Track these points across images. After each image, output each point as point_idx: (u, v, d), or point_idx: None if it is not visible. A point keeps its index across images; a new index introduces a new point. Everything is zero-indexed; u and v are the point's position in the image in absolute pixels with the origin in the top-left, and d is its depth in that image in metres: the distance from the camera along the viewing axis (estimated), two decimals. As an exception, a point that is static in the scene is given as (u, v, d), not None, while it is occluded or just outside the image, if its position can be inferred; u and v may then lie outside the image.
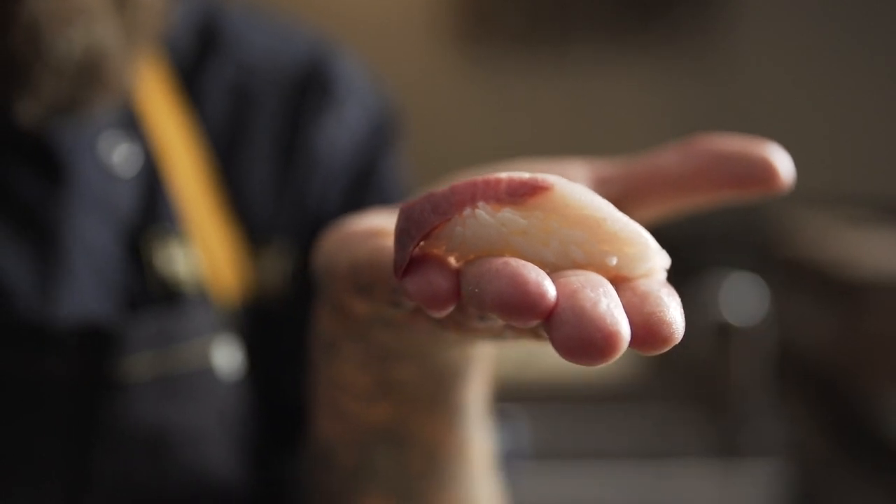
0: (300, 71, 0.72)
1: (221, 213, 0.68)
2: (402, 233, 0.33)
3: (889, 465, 1.69)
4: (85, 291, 0.62)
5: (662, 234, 0.41)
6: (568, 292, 0.30)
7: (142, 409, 0.60)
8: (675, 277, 0.35)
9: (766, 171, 0.43)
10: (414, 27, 2.72)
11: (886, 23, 2.72)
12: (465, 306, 0.33)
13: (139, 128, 0.67)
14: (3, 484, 0.59)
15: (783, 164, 0.43)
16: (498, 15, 2.71)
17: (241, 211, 0.68)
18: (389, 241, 0.37)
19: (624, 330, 0.29)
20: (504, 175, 0.32)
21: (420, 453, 0.50)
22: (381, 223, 0.41)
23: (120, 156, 0.65)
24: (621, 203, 0.44)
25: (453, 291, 0.32)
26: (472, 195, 0.32)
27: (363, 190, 0.71)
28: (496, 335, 0.38)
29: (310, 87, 0.72)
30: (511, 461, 0.66)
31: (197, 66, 0.70)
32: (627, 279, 0.33)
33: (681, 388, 1.89)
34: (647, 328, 0.30)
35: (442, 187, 0.32)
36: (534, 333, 0.36)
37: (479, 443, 0.51)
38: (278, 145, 0.70)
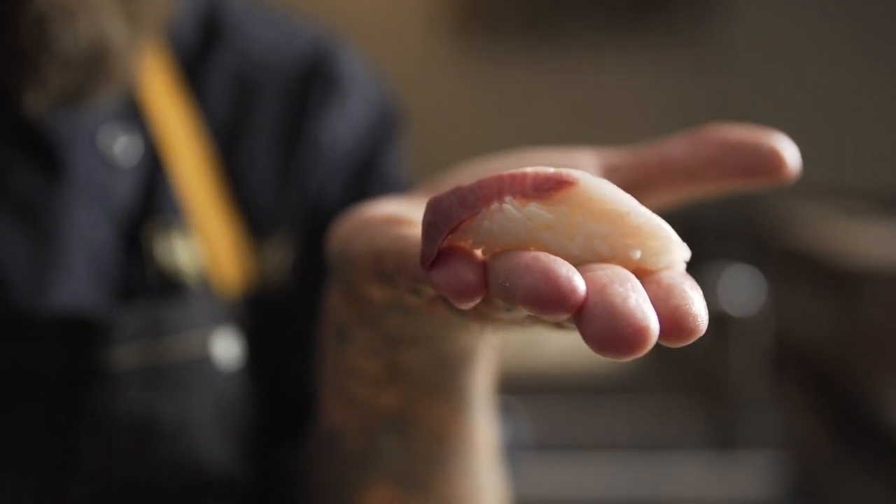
0: (303, 64, 0.72)
1: (223, 204, 0.68)
2: (430, 226, 0.33)
3: (887, 455, 1.69)
4: (80, 282, 0.62)
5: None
6: (597, 287, 0.30)
7: (131, 399, 0.61)
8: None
9: (774, 161, 0.43)
10: (411, 21, 2.72)
11: (884, 17, 2.73)
12: (490, 298, 0.33)
13: (141, 118, 0.67)
14: None
15: (791, 154, 0.44)
16: (495, 8, 2.72)
17: (243, 202, 0.68)
18: (412, 230, 0.37)
19: (654, 325, 0.30)
20: (530, 170, 0.32)
21: (427, 439, 0.50)
22: (399, 211, 0.42)
23: (120, 147, 0.66)
24: (630, 191, 0.44)
25: (481, 284, 0.32)
26: (499, 190, 0.32)
27: (365, 182, 0.72)
28: (518, 325, 0.38)
29: (313, 79, 0.72)
30: (511, 453, 0.66)
31: (200, 57, 0.70)
32: (650, 272, 0.33)
33: (679, 380, 1.90)
34: (673, 321, 0.31)
35: (469, 181, 0.33)
36: (557, 324, 0.36)
37: (484, 430, 0.52)
38: (280, 137, 0.70)
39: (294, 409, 0.66)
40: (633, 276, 0.31)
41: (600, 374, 1.86)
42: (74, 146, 0.64)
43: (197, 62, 0.70)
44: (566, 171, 0.32)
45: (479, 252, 0.34)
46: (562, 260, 0.31)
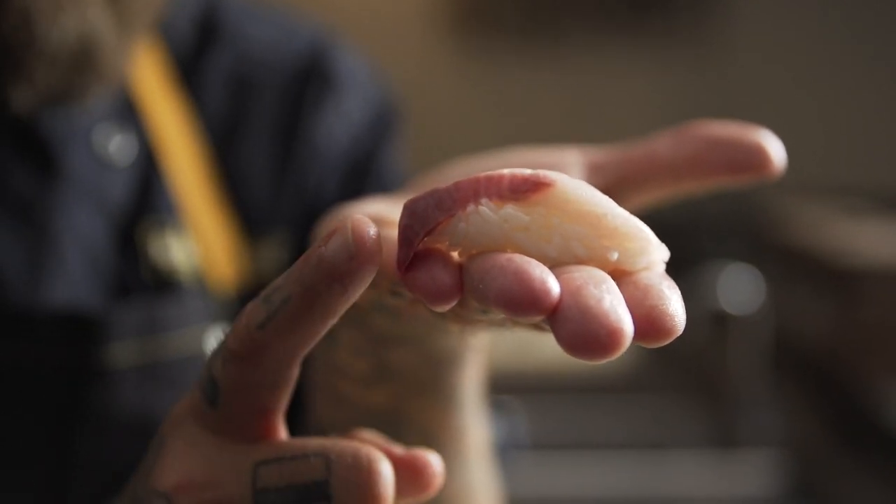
0: (300, 63, 0.72)
1: (219, 203, 0.68)
2: (406, 229, 0.33)
3: (886, 454, 1.69)
4: (75, 280, 0.63)
5: (659, 225, 0.41)
6: (572, 289, 0.30)
7: (128, 395, 0.61)
8: (672, 268, 0.35)
9: (759, 157, 0.43)
10: (411, 20, 2.72)
11: (884, 16, 2.73)
12: (467, 300, 0.33)
13: (136, 117, 0.67)
14: None
15: (775, 149, 0.44)
16: (495, 8, 2.71)
17: (239, 201, 0.69)
18: (392, 231, 0.38)
19: (627, 326, 0.30)
20: (507, 172, 0.32)
21: (416, 438, 0.50)
22: (382, 211, 0.42)
23: (116, 145, 0.66)
24: (615, 190, 0.45)
25: (456, 287, 0.32)
26: (475, 192, 0.32)
27: (362, 181, 0.72)
28: (497, 326, 0.38)
29: (310, 78, 0.72)
30: (508, 452, 0.67)
31: (196, 56, 0.70)
32: (628, 273, 0.33)
33: (678, 379, 1.90)
34: (649, 321, 0.31)
35: (445, 184, 0.33)
36: (535, 326, 0.36)
37: (474, 429, 0.52)
38: (277, 136, 0.70)
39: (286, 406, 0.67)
40: (608, 278, 0.31)
41: (600, 373, 1.86)
42: (69, 145, 0.64)
43: (193, 61, 0.70)
44: (543, 173, 0.32)
45: (455, 254, 0.34)
46: (536, 262, 0.31)
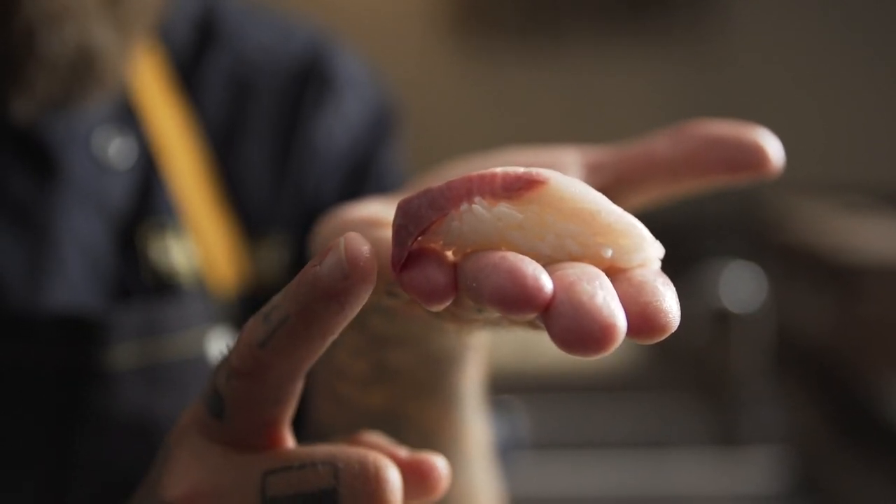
0: (299, 64, 0.72)
1: (219, 205, 0.68)
2: (400, 228, 0.33)
3: (888, 449, 1.69)
4: (76, 283, 0.63)
5: (661, 224, 0.41)
6: (565, 285, 0.30)
7: (128, 397, 0.61)
8: (674, 266, 0.35)
9: (756, 156, 0.43)
10: (410, 20, 2.72)
11: (882, 13, 2.72)
12: (462, 299, 0.33)
13: (136, 121, 0.67)
14: None
15: (773, 148, 0.44)
16: (494, 7, 2.71)
17: (239, 203, 0.69)
18: (387, 232, 0.38)
19: (620, 322, 0.30)
20: (499, 170, 0.33)
21: (416, 438, 0.50)
22: (378, 212, 0.42)
23: (115, 149, 0.66)
24: (614, 189, 0.45)
25: (450, 286, 0.32)
26: (469, 190, 0.32)
27: (361, 182, 0.72)
28: (493, 325, 0.38)
29: (309, 80, 0.72)
30: (508, 451, 0.67)
31: (195, 58, 0.71)
32: (623, 270, 0.33)
33: (680, 377, 1.90)
34: (643, 318, 0.31)
35: (438, 183, 0.33)
36: (531, 324, 0.36)
37: (474, 429, 0.52)
38: (276, 138, 0.70)
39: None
40: (602, 274, 0.31)
41: (602, 371, 1.86)
42: (69, 149, 0.64)
43: (192, 63, 0.70)
44: (536, 171, 0.32)
45: (450, 253, 0.34)
46: (529, 259, 0.31)
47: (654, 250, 0.34)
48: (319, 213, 0.68)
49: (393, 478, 0.36)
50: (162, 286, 0.65)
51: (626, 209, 0.34)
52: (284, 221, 0.69)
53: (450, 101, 2.70)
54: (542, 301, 0.30)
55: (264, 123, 0.71)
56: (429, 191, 0.33)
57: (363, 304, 0.34)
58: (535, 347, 1.87)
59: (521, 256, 0.31)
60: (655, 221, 0.35)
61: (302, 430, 0.63)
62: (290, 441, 0.39)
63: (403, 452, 0.40)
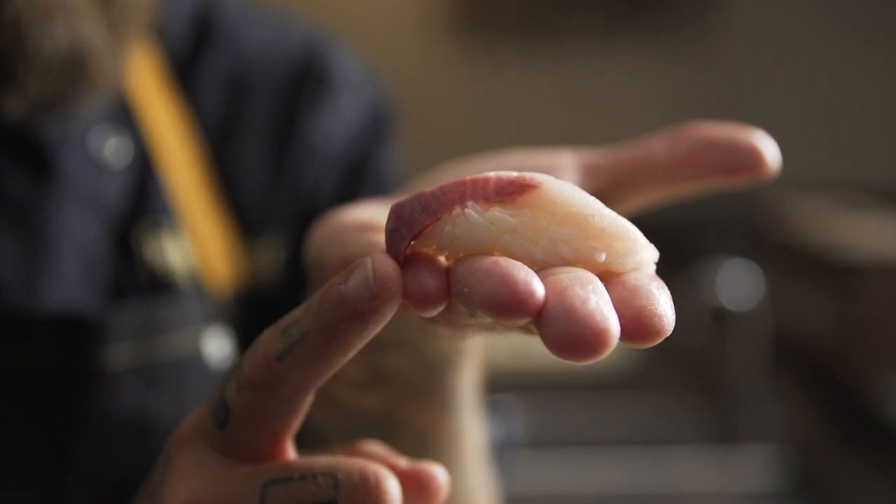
0: (296, 64, 0.72)
1: (215, 204, 0.68)
2: (393, 232, 0.33)
3: (886, 447, 1.69)
4: (71, 282, 0.63)
5: (658, 222, 0.41)
6: (557, 290, 0.30)
7: (125, 397, 0.61)
8: (671, 265, 0.35)
9: (753, 158, 0.43)
10: (410, 20, 2.72)
11: (882, 12, 2.72)
12: (455, 304, 0.33)
13: (132, 120, 0.67)
14: None
15: (770, 150, 0.44)
16: (494, 7, 2.71)
17: (235, 202, 0.69)
18: (381, 237, 0.37)
19: (613, 326, 0.30)
20: (492, 174, 0.32)
21: (412, 441, 0.50)
22: (372, 216, 0.42)
23: (111, 148, 0.66)
24: (610, 192, 0.45)
25: (443, 291, 0.32)
26: (462, 195, 0.32)
27: (358, 181, 0.72)
28: (487, 330, 0.38)
29: (306, 79, 0.72)
30: (504, 451, 0.67)
31: (192, 58, 0.71)
32: (617, 274, 0.33)
33: (678, 375, 1.90)
34: (637, 322, 0.31)
35: (431, 187, 0.33)
36: (524, 329, 0.36)
37: (471, 432, 0.52)
38: (273, 137, 0.70)
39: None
40: (595, 279, 0.31)
41: (600, 370, 1.86)
42: (65, 148, 0.64)
43: (189, 63, 0.70)
44: (529, 175, 0.32)
45: (442, 258, 0.34)
46: (521, 264, 0.31)
47: (648, 254, 0.34)
48: (316, 213, 0.68)
49: (393, 489, 0.36)
50: (158, 285, 0.65)
51: (622, 212, 0.34)
52: (281, 221, 0.69)
53: (448, 101, 2.70)
54: (534, 306, 0.30)
55: (261, 123, 0.71)
56: (422, 195, 0.33)
57: (386, 322, 0.34)
58: (534, 346, 1.87)
59: (512, 261, 0.31)
60: (653, 220, 0.35)
61: (299, 436, 0.63)
62: (291, 453, 0.39)
63: (403, 462, 0.40)
